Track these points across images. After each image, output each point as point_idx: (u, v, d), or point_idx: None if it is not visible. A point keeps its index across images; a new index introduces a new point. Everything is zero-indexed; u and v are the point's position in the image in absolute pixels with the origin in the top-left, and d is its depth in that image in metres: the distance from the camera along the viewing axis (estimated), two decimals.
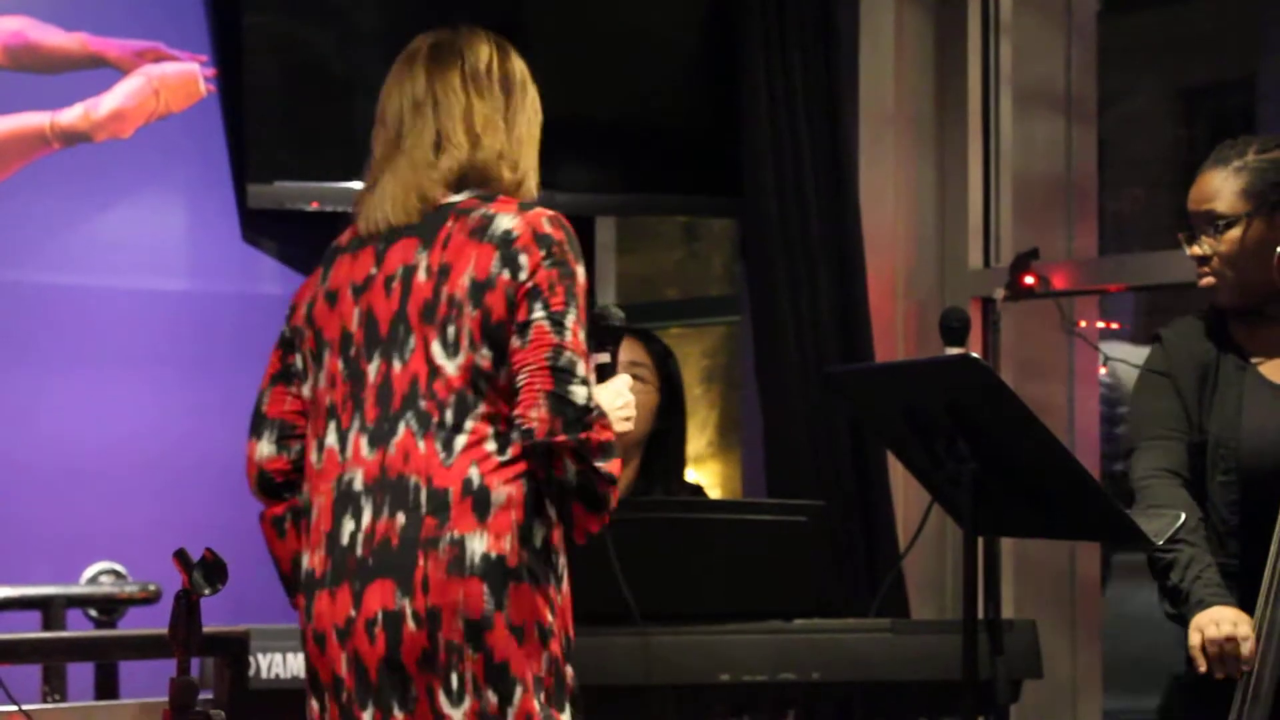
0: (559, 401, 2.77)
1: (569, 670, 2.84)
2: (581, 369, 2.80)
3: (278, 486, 2.96)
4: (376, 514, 2.81)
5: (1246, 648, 3.15)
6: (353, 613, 2.79)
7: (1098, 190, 5.05)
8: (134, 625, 4.32)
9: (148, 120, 4.51)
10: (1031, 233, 4.79)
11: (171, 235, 4.61)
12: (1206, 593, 3.22)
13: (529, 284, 2.82)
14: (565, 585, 2.87)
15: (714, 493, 5.25)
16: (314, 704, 2.88)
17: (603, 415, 2.81)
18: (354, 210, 3.00)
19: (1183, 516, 3.20)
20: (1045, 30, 4.91)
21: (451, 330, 2.83)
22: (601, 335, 3.10)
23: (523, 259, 2.84)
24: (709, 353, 5.84)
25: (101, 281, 4.59)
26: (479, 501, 2.78)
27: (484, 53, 3.04)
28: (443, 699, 2.76)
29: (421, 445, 2.81)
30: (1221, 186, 3.39)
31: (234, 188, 4.55)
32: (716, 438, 5.89)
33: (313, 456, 2.91)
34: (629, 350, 4.18)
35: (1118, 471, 5.11)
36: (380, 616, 2.77)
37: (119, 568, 4.44)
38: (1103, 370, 4.85)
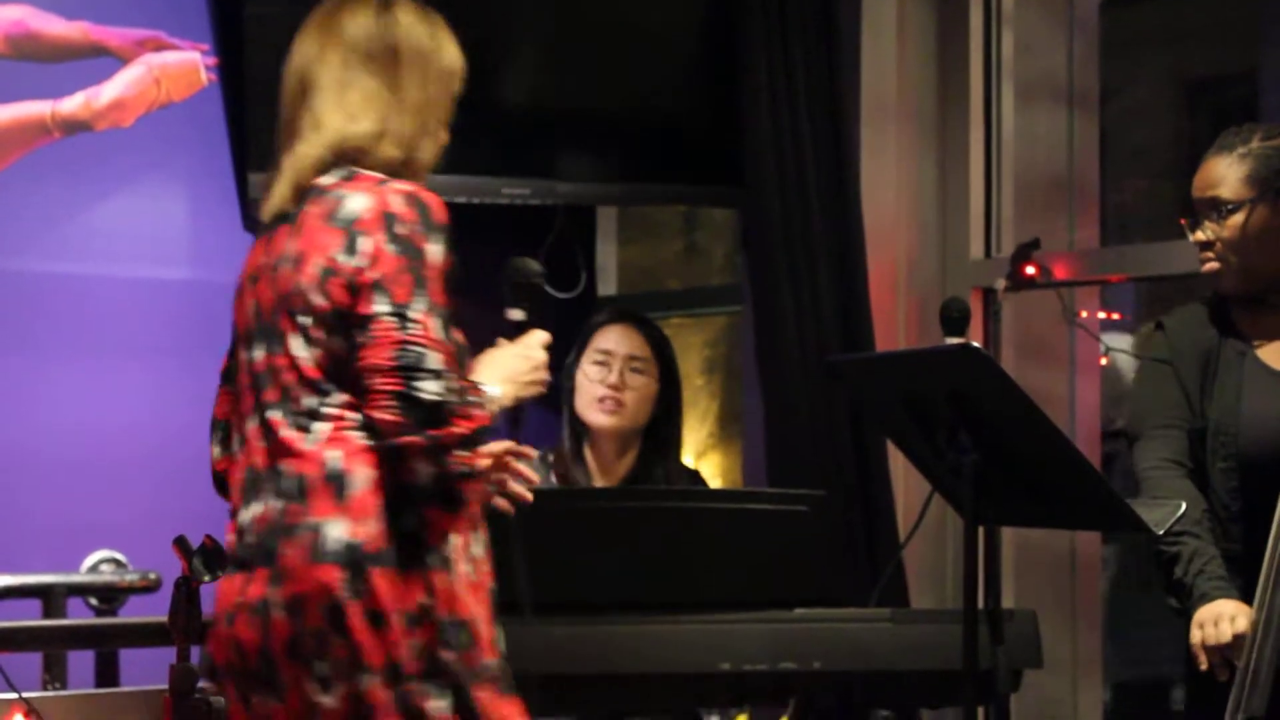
0: (406, 401, 2.68)
1: (449, 655, 2.75)
2: (433, 361, 2.70)
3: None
4: (263, 502, 2.79)
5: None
6: (239, 599, 2.77)
7: (1099, 181, 5.05)
8: (134, 613, 4.32)
9: (149, 109, 4.51)
10: (1033, 223, 4.78)
11: (172, 224, 4.61)
12: (1209, 586, 3.22)
13: (372, 273, 2.73)
14: (460, 567, 2.80)
15: (715, 483, 5.25)
16: (211, 684, 2.84)
17: (463, 406, 2.71)
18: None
19: (1183, 506, 3.20)
20: (1047, 23, 4.90)
21: (306, 320, 2.78)
22: (515, 292, 3.05)
23: (364, 244, 2.75)
24: (710, 343, 5.83)
25: (102, 270, 4.59)
26: (339, 487, 2.74)
27: (364, 21, 2.94)
28: (312, 687, 2.72)
29: (291, 434, 2.77)
30: (1226, 173, 3.39)
31: (235, 176, 4.55)
32: (717, 428, 5.88)
33: (235, 446, 2.91)
34: (629, 342, 4.18)
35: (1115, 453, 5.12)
36: (257, 603, 2.75)
37: (119, 556, 4.45)
38: (1104, 360, 4.85)
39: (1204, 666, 3.21)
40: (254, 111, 4.51)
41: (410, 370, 2.68)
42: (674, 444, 4.24)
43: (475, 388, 2.79)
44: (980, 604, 3.24)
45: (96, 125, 4.53)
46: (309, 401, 2.77)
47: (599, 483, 4.17)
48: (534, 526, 3.51)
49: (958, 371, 3.14)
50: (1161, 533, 3.20)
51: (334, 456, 2.75)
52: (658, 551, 3.52)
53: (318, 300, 2.76)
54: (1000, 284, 4.38)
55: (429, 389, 2.68)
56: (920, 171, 4.92)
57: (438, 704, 2.73)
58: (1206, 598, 3.22)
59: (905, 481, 4.58)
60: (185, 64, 4.52)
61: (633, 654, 3.45)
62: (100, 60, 4.56)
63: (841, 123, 4.70)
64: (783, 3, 4.66)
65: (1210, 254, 3.42)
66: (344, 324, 2.75)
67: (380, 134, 2.87)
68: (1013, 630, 3.58)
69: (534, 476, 3.02)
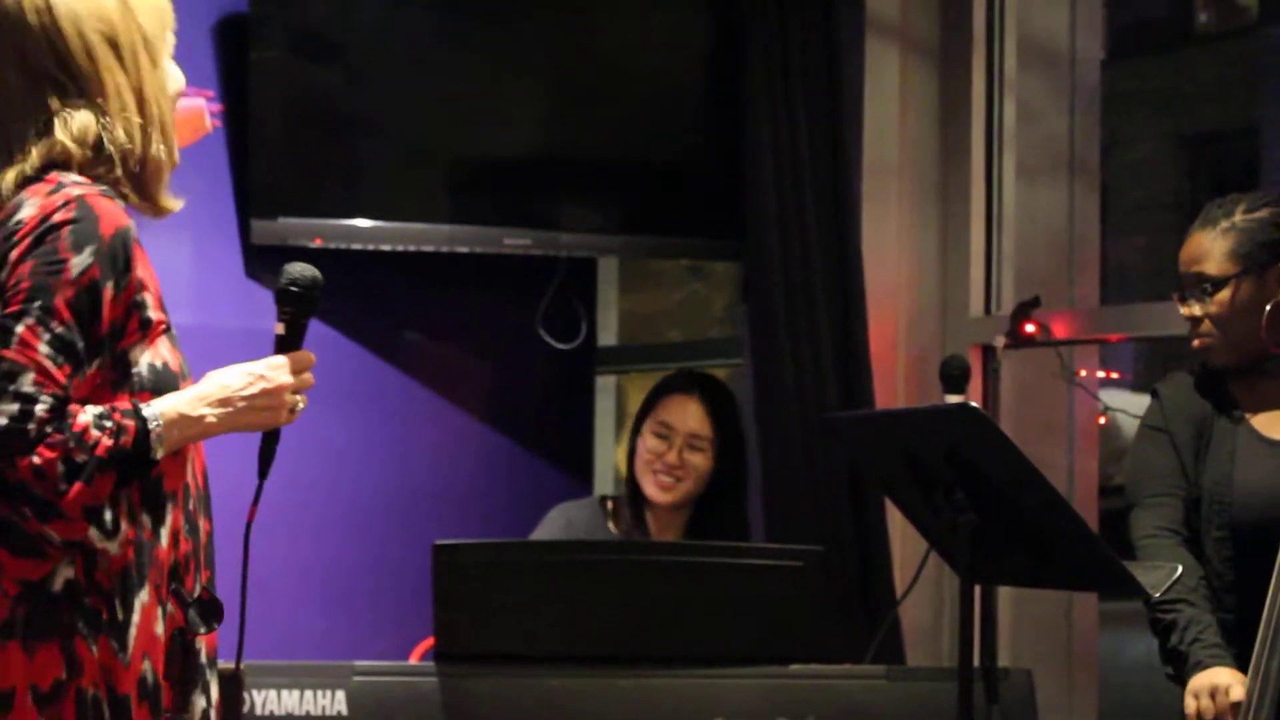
0: None
1: None
2: (21, 381, 2.38)
3: None
4: None
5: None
6: None
7: (1100, 238, 5.06)
8: None
9: None
10: (1033, 281, 4.79)
11: (175, 270, 4.61)
12: (1205, 654, 3.22)
13: (7, 280, 2.45)
14: (133, 630, 2.50)
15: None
16: None
17: (52, 435, 2.38)
18: None
19: (1179, 570, 3.20)
20: (1048, 85, 4.92)
21: None
22: (279, 301, 2.67)
23: (12, 253, 2.46)
24: None
25: None
26: None
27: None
28: None
29: None
30: (1211, 247, 3.40)
31: (238, 223, 4.56)
32: None
33: None
34: (691, 418, 4.24)
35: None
36: None
37: None
38: (1102, 420, 4.85)
39: None
40: (258, 157, 4.53)
41: None
42: (731, 522, 4.28)
43: (116, 413, 2.45)
44: (976, 662, 3.24)
45: None
46: None
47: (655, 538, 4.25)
48: (530, 578, 3.53)
49: (956, 430, 3.14)
50: (1158, 597, 3.20)
51: None
52: (653, 605, 3.52)
53: None
54: (1000, 341, 4.39)
55: (5, 410, 2.38)
56: (921, 228, 4.93)
57: None
58: (1201, 666, 3.21)
59: (902, 538, 4.57)
60: (190, 110, 4.50)
61: (627, 708, 3.45)
62: None
63: (843, 179, 4.71)
64: (786, 60, 4.68)
65: (1198, 330, 3.43)
66: None
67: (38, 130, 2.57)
68: (1008, 689, 3.58)
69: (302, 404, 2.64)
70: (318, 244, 4.57)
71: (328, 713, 3.39)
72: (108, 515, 2.47)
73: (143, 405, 2.49)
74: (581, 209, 4.83)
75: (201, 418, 2.53)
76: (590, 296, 5.23)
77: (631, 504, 4.29)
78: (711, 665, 3.50)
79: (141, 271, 2.58)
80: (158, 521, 2.54)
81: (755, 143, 4.67)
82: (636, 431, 4.33)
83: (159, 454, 2.48)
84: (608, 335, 5.45)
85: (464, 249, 4.69)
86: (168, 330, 2.62)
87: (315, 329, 4.74)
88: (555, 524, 4.30)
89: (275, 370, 2.60)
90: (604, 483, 5.28)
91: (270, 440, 2.67)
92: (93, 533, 2.46)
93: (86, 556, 2.47)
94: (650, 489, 4.24)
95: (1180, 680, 3.26)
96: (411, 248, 4.65)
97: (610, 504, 4.35)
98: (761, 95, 4.67)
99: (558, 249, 4.81)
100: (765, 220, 4.65)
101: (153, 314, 2.58)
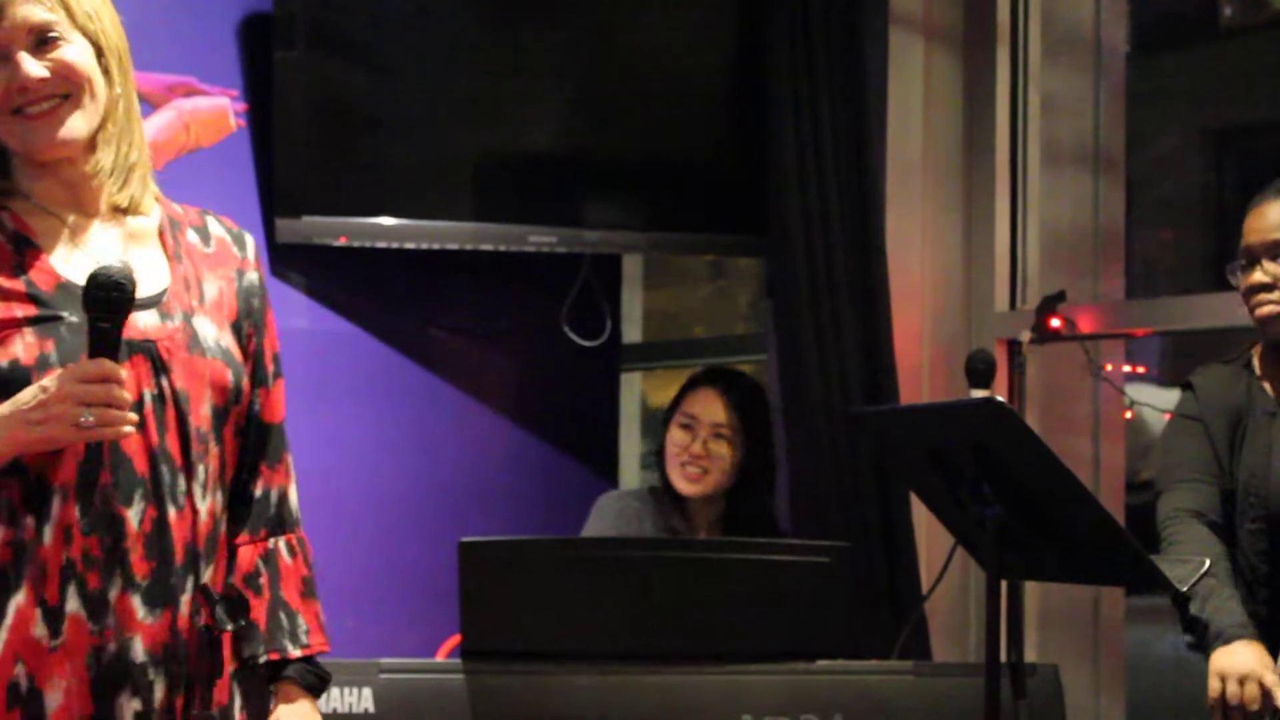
0: None
1: None
2: None
3: None
4: None
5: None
6: None
7: (1126, 231, 5.05)
8: None
9: (178, 154, 4.52)
10: (1058, 276, 4.78)
11: None
12: (1227, 623, 3.20)
13: None
14: (2, 634, 2.39)
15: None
16: None
17: None
18: None
19: (1207, 563, 3.19)
20: (1074, 78, 4.91)
21: None
22: (87, 307, 2.36)
23: None
24: None
25: None
26: None
27: None
28: None
29: None
30: None
31: (262, 222, 4.57)
32: None
33: None
34: (714, 409, 4.27)
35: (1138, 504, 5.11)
36: None
37: None
38: (1129, 414, 4.84)
39: None
40: (283, 156, 4.54)
41: None
42: (758, 510, 4.29)
43: None
44: (1003, 657, 3.23)
45: None
46: None
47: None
48: (556, 576, 3.53)
49: (982, 425, 3.12)
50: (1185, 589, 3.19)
51: None
52: (679, 602, 3.52)
53: None
54: (1025, 336, 4.38)
55: None
56: (946, 223, 4.92)
57: None
58: (1223, 637, 3.19)
59: (928, 533, 4.57)
60: (215, 110, 4.53)
61: (654, 705, 3.44)
62: None
63: (867, 174, 4.71)
64: (809, 55, 4.68)
65: (1266, 296, 3.39)
66: None
67: None
68: (1035, 684, 3.56)
69: (132, 417, 2.38)
70: (342, 242, 4.58)
71: (355, 710, 3.39)
72: None
73: None
74: (606, 206, 4.83)
75: None
76: (615, 293, 5.23)
77: (668, 498, 4.31)
78: (738, 662, 3.50)
79: None
80: (41, 519, 2.40)
81: (779, 139, 4.67)
82: (668, 421, 4.36)
83: None
84: (632, 332, 5.46)
85: (489, 247, 4.70)
86: (34, 322, 2.43)
87: (341, 327, 4.80)
88: (609, 511, 4.31)
89: (56, 380, 2.34)
90: (629, 479, 5.28)
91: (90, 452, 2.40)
92: None
93: None
94: (679, 482, 4.27)
95: (1202, 649, 3.24)
96: (436, 246, 4.66)
97: (654, 497, 4.37)
98: (785, 91, 4.67)
99: (582, 246, 4.82)
100: (789, 216, 4.65)
101: None
